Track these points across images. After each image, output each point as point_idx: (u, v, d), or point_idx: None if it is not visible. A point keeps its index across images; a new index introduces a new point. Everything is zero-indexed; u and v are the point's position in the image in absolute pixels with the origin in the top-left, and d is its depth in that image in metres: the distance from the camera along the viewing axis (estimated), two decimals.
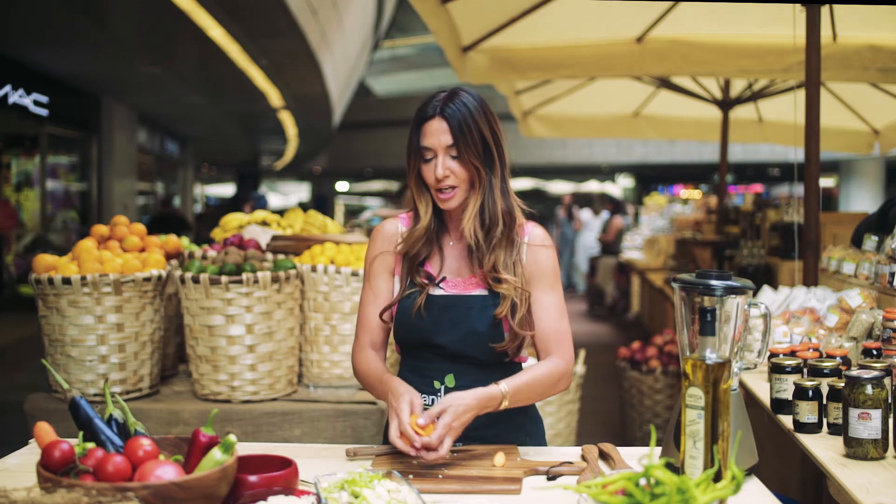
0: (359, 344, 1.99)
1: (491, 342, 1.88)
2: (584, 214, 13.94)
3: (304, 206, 4.03)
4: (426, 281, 1.92)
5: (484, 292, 1.91)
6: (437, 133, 1.85)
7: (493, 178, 1.89)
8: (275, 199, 31.02)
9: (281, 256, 2.98)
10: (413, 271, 1.94)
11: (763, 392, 2.51)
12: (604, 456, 1.83)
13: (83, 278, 2.58)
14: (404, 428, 1.69)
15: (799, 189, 3.73)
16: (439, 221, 1.97)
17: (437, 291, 1.92)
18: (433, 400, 1.92)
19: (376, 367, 1.92)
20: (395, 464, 1.75)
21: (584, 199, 19.01)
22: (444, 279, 1.93)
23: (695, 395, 1.46)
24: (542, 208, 19.84)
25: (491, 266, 1.88)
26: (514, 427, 1.96)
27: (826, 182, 21.48)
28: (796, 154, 3.64)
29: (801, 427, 2.11)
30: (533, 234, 1.95)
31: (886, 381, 1.89)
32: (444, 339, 1.89)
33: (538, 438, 2.02)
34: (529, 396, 1.86)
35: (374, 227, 2.04)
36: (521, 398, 1.83)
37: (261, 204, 10.02)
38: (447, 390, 1.90)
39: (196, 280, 2.62)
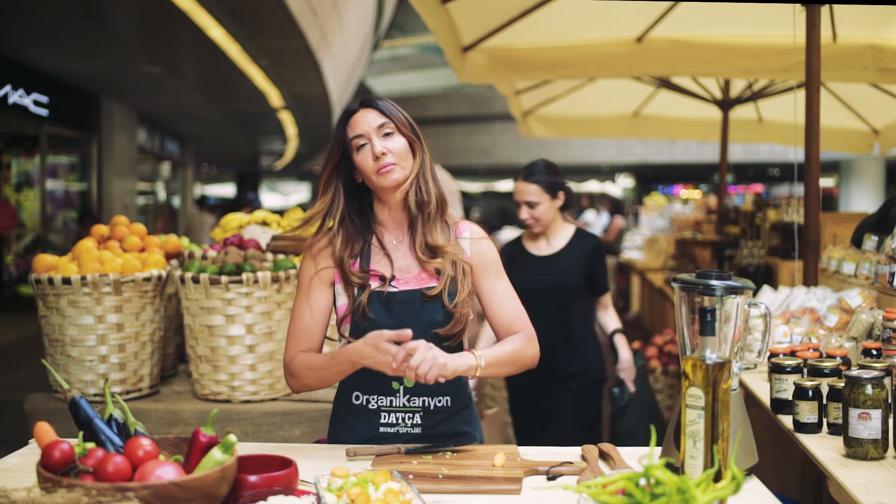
0: (288, 354, 1.94)
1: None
2: (588, 215, 13.97)
3: (303, 208, 4.02)
4: (379, 280, 1.91)
5: (436, 283, 1.91)
6: (366, 118, 1.90)
7: (425, 157, 1.94)
8: (275, 199, 31.01)
9: (281, 256, 2.98)
10: (348, 273, 1.91)
11: (763, 392, 2.51)
12: (604, 456, 1.83)
13: (83, 278, 2.58)
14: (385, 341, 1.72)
15: (799, 189, 3.73)
16: (375, 220, 1.97)
17: (390, 290, 1.91)
18: (391, 402, 1.92)
19: (317, 356, 1.90)
20: (395, 464, 1.75)
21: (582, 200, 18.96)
22: (394, 278, 1.92)
23: (695, 395, 1.46)
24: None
25: (425, 240, 1.91)
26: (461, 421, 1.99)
27: (826, 182, 21.48)
28: (796, 154, 3.64)
29: (801, 427, 2.12)
30: (472, 229, 2.01)
31: (886, 381, 1.89)
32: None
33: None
34: (502, 369, 1.90)
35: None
36: (496, 366, 1.87)
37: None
38: (406, 391, 1.91)
39: (196, 280, 2.62)
